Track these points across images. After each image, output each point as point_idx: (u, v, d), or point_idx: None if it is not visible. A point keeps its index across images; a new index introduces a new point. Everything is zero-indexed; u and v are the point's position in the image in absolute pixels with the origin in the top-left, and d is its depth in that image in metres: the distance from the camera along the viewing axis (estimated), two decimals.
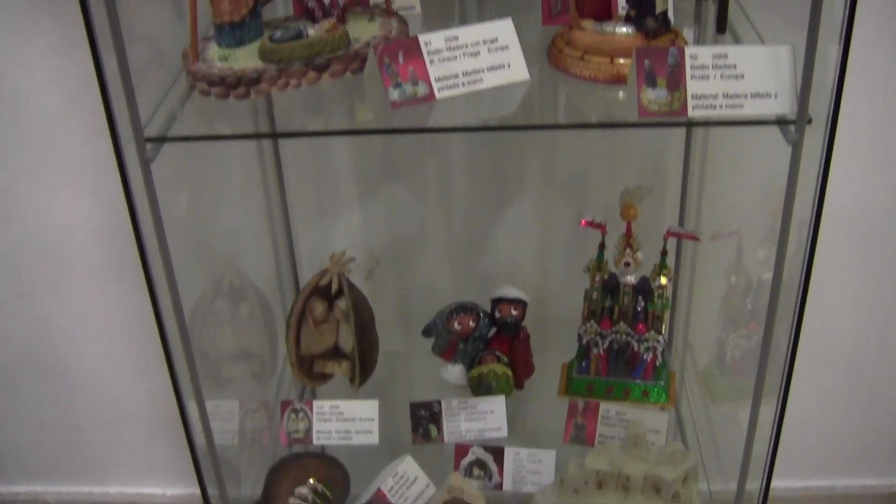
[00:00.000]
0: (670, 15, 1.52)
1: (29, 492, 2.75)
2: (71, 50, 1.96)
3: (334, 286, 1.91)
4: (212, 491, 1.83)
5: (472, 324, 1.95)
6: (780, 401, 1.67)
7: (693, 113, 1.33)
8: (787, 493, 2.60)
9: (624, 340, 1.95)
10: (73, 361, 2.47)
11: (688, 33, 1.62)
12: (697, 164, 2.04)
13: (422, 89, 1.37)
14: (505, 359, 1.96)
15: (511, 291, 1.96)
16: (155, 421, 2.57)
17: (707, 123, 1.32)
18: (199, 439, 1.75)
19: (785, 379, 1.64)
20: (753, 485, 1.81)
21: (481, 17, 1.68)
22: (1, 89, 2.03)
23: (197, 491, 2.64)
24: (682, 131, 1.99)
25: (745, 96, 1.32)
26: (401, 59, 1.36)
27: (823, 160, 1.40)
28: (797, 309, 1.56)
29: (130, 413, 2.56)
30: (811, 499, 2.65)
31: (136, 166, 1.37)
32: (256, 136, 1.88)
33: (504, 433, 1.93)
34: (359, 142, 2.09)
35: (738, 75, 1.32)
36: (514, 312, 1.96)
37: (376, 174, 2.13)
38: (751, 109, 1.33)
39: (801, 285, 1.53)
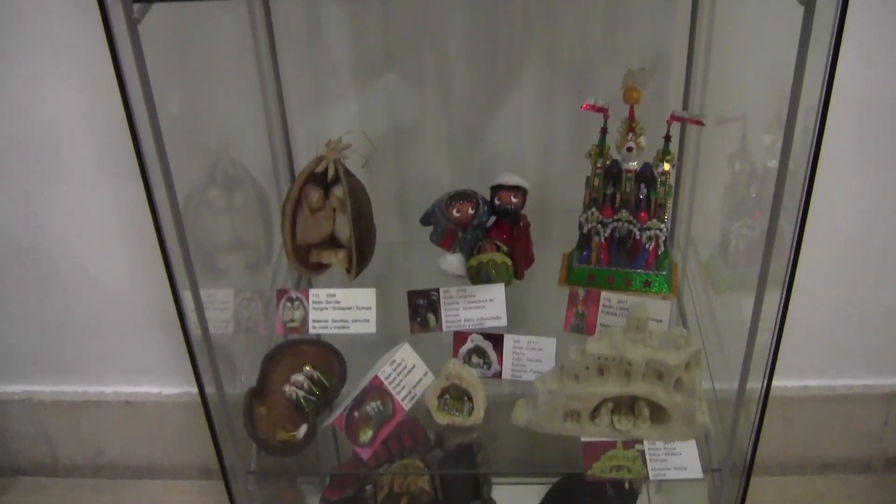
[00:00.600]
0: None
1: (24, 392, 2.74)
2: None
3: (330, 173, 1.87)
4: (209, 390, 1.79)
5: (471, 211, 1.91)
6: (785, 292, 1.62)
7: None
8: (786, 392, 2.59)
9: (626, 229, 1.92)
10: (66, 256, 2.44)
11: None
12: (703, 44, 1.98)
13: None
14: (504, 248, 1.93)
15: (511, 178, 1.92)
16: (151, 318, 2.54)
17: None
18: (195, 330, 1.71)
19: (790, 270, 1.59)
20: (755, 384, 1.78)
21: None
22: None
23: (194, 389, 2.65)
24: (687, 10, 1.93)
25: None
26: None
27: (836, 26, 1.33)
28: (803, 196, 1.51)
29: (126, 310, 2.54)
30: (811, 398, 2.64)
31: (123, 32, 1.31)
32: None
33: (503, 322, 1.91)
34: (357, 25, 2.03)
35: None
36: (514, 200, 1.92)
37: (374, 60, 2.08)
38: None
39: (809, 170, 1.48)
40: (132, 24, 1.29)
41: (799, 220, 1.53)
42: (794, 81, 1.33)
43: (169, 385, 2.69)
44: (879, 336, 2.55)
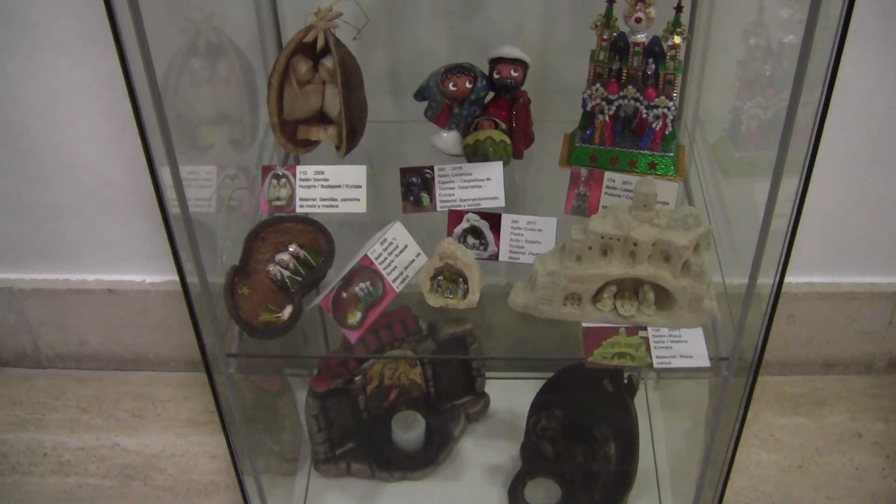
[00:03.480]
0: None
1: (3, 279, 2.67)
2: None
3: (320, 43, 1.78)
4: (189, 270, 1.70)
5: (468, 85, 1.82)
6: (803, 179, 1.52)
7: None
8: (790, 288, 2.52)
9: (632, 107, 1.84)
10: (44, 134, 2.34)
11: None
12: None
13: None
14: (503, 125, 1.85)
15: (511, 50, 1.82)
16: (135, 203, 2.46)
17: None
18: (174, 209, 1.62)
19: (809, 155, 1.49)
20: (764, 278, 1.69)
21: None
22: None
23: (176, 277, 2.58)
24: None
25: None
26: None
27: None
28: (827, 77, 1.40)
29: (108, 193, 2.45)
30: (815, 295, 2.59)
31: None
32: None
33: (501, 202, 1.82)
34: None
35: None
36: (514, 74, 1.82)
37: None
38: None
39: (835, 48, 1.37)
40: None
41: (821, 104, 1.42)
42: None
43: (153, 273, 2.62)
44: (888, 233, 2.49)
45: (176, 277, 2.50)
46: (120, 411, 2.71)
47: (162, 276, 2.60)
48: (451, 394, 2.44)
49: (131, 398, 2.74)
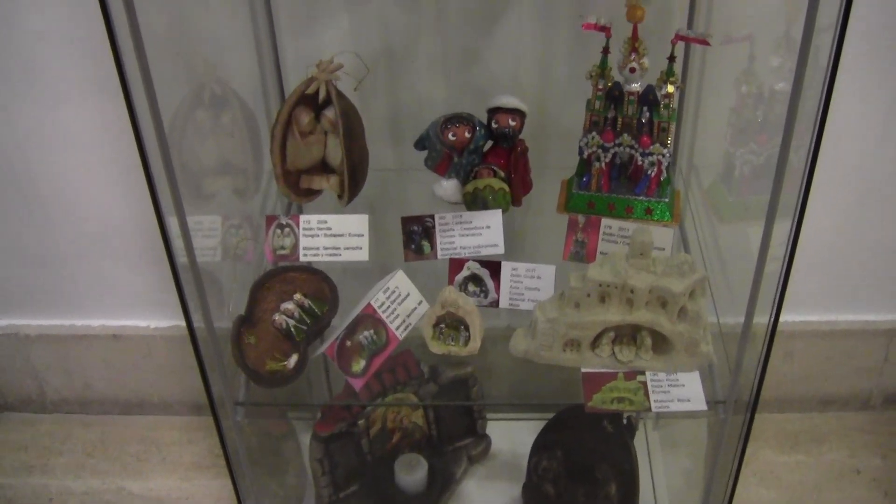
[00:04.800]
0: None
1: (8, 325, 2.69)
2: None
3: (322, 94, 1.81)
4: (196, 320, 1.73)
5: (467, 135, 1.85)
6: (796, 222, 1.56)
7: None
8: (787, 326, 2.55)
9: (627, 154, 1.87)
10: (50, 182, 2.37)
11: None
12: None
13: None
14: (502, 173, 1.88)
15: (509, 100, 1.86)
16: (139, 249, 2.49)
17: None
18: (181, 258, 1.65)
19: (801, 198, 1.53)
20: (760, 318, 1.72)
21: None
22: None
23: (183, 323, 2.60)
24: None
25: None
26: None
27: None
28: (817, 122, 1.44)
29: (113, 240, 2.48)
30: (812, 333, 2.61)
31: None
32: None
33: (501, 250, 1.86)
34: None
35: None
36: (512, 123, 1.86)
37: None
38: None
39: (824, 94, 1.40)
40: None
41: (812, 147, 1.46)
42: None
43: (157, 318, 2.64)
44: (882, 271, 2.51)
45: (180, 322, 2.55)
46: (125, 455, 2.73)
47: (166, 321, 2.63)
48: (453, 436, 2.46)
49: (136, 442, 2.76)
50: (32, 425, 2.83)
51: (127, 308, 2.63)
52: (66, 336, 2.68)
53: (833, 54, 1.35)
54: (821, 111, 1.42)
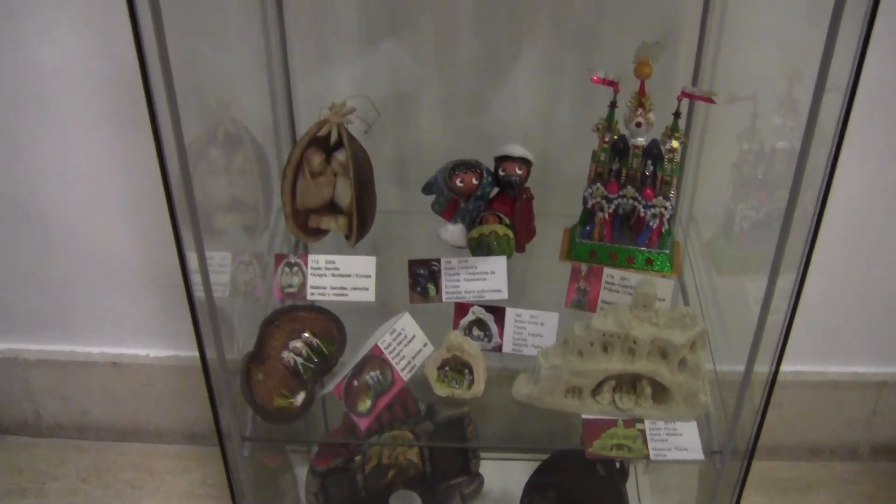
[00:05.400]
0: None
1: (8, 350, 2.71)
2: None
3: (333, 137, 1.85)
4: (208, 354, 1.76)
5: (474, 181, 1.89)
6: (800, 275, 1.60)
7: None
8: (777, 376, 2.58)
9: (630, 205, 1.90)
10: (56, 211, 2.40)
11: None
12: (716, 20, 1.96)
13: None
14: (507, 220, 1.91)
15: (517, 149, 1.89)
16: (142, 279, 2.52)
17: None
18: (196, 293, 1.68)
19: (806, 253, 1.57)
20: (760, 367, 1.76)
21: None
22: None
23: (182, 353, 2.63)
24: None
25: None
26: None
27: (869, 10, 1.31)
28: (825, 180, 1.48)
29: (116, 270, 2.51)
30: (802, 383, 2.64)
31: None
32: None
33: (504, 295, 1.89)
34: None
35: None
36: (518, 171, 1.89)
37: (379, 23, 2.05)
38: None
39: (832, 154, 1.45)
40: None
41: (819, 204, 1.50)
42: (822, 64, 1.31)
43: (157, 348, 2.67)
44: (872, 323, 2.55)
45: (179, 352, 2.59)
46: (119, 482, 2.74)
47: (166, 350, 2.65)
48: (447, 474, 2.48)
49: (131, 469, 2.78)
50: (28, 449, 2.84)
51: (127, 337, 2.65)
52: (65, 362, 2.70)
53: (843, 114, 1.39)
54: (829, 169, 1.46)
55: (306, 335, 1.89)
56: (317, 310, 1.93)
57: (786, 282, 1.61)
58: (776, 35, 1.89)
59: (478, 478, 2.52)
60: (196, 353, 2.45)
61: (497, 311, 1.88)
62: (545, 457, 2.34)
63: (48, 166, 2.32)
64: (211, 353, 1.73)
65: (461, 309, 1.89)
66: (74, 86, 2.18)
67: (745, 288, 2.00)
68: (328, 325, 1.91)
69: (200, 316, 1.67)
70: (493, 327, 1.88)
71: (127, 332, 2.64)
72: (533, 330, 1.87)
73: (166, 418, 2.80)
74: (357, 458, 2.29)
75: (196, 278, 1.63)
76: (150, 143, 1.46)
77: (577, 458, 2.22)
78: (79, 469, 2.78)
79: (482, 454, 2.52)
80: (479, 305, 1.88)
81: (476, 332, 1.89)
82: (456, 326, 1.89)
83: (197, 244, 1.59)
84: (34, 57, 2.13)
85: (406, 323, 1.83)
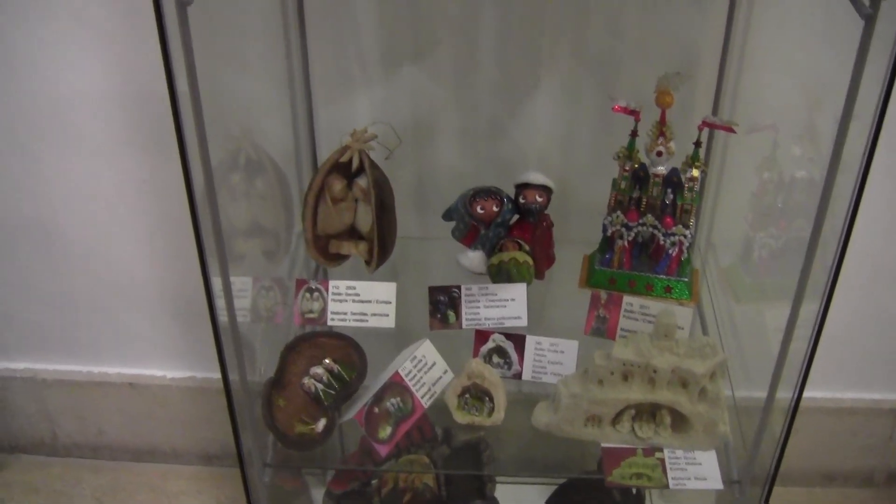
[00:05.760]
0: None
1: (26, 369, 2.72)
2: None
3: (355, 163, 1.86)
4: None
5: (495, 209, 1.89)
6: (824, 303, 1.61)
7: None
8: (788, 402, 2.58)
9: (649, 233, 1.90)
10: (76, 233, 2.42)
11: None
12: (737, 49, 1.97)
13: None
14: (526, 247, 1.91)
15: (538, 177, 1.90)
16: (159, 301, 2.53)
17: None
18: (220, 318, 1.69)
19: (830, 281, 1.58)
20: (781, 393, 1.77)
21: None
22: None
23: (199, 374, 2.64)
24: (723, 14, 1.91)
25: None
26: None
27: None
28: (850, 209, 1.49)
29: (134, 292, 2.52)
30: (818, 410, 2.64)
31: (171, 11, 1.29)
32: None
33: (524, 322, 1.90)
34: (386, 15, 2.01)
35: None
36: (539, 199, 1.90)
37: (401, 50, 2.06)
38: None
39: (858, 185, 1.45)
40: (182, 7, 1.26)
41: (844, 233, 1.51)
42: (848, 96, 1.31)
43: (174, 369, 2.68)
44: (889, 351, 2.55)
45: (196, 374, 2.60)
46: (134, 502, 2.75)
47: (183, 371, 2.66)
48: (462, 498, 2.48)
49: (146, 490, 2.78)
50: (44, 468, 2.85)
51: (144, 357, 2.66)
52: (82, 382, 2.71)
53: (870, 143, 1.39)
54: (854, 199, 1.47)
55: (327, 361, 1.90)
56: (338, 336, 1.93)
57: (806, 310, 1.61)
58: (797, 65, 1.90)
59: (493, 502, 2.53)
60: (212, 375, 2.49)
61: (517, 339, 1.89)
62: (561, 481, 2.34)
63: (69, 189, 2.33)
64: (233, 377, 1.73)
65: (481, 336, 1.90)
66: (96, 109, 2.19)
67: (762, 315, 2.00)
68: (349, 351, 1.92)
69: (224, 340, 1.67)
70: (513, 355, 1.89)
71: (144, 353, 2.65)
72: (553, 358, 1.88)
73: (181, 439, 2.81)
74: (373, 481, 2.30)
75: (220, 303, 1.64)
76: (169, 167, 1.47)
77: (592, 483, 2.22)
78: (94, 489, 2.79)
79: (498, 478, 2.52)
80: (499, 332, 1.88)
81: (496, 359, 1.90)
82: (476, 354, 1.89)
83: (222, 269, 1.60)
84: (56, 80, 2.14)
85: (426, 350, 1.84)
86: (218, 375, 1.71)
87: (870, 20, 1.24)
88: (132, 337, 2.62)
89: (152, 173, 2.28)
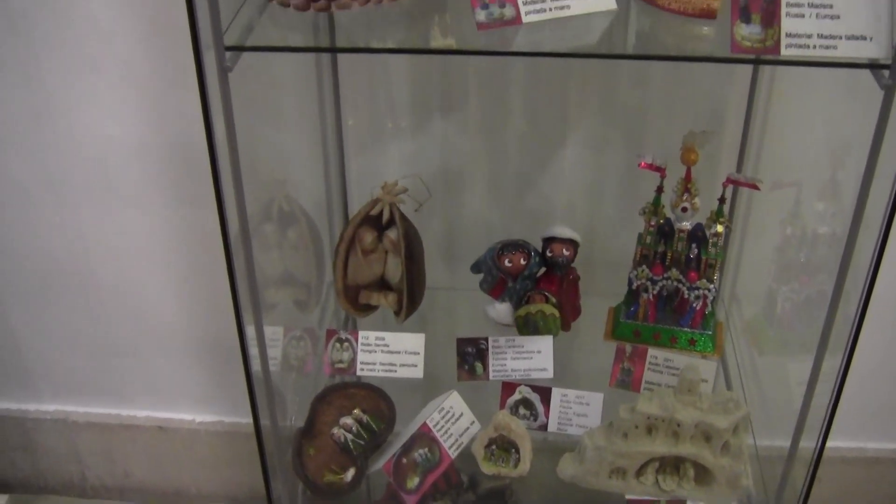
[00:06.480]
0: None
1: (57, 411, 2.75)
2: None
3: (385, 216, 1.90)
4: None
5: (522, 262, 1.92)
6: (846, 356, 1.64)
7: (786, 52, 1.29)
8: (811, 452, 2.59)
9: (674, 287, 1.93)
10: (109, 279, 2.45)
11: None
12: (761, 109, 2.00)
13: (508, 12, 1.34)
14: (553, 299, 1.94)
15: (564, 231, 1.93)
16: (189, 346, 2.56)
17: (800, 63, 1.29)
18: (252, 366, 1.73)
19: (853, 334, 1.61)
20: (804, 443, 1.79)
21: None
22: None
23: (227, 419, 2.67)
24: (747, 76, 1.95)
25: (840, 37, 1.29)
26: None
27: None
28: (872, 268, 1.51)
29: (164, 337, 2.56)
30: (840, 459, 2.64)
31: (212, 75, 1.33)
32: (348, 49, 1.83)
33: (550, 374, 1.93)
34: (417, 68, 2.06)
35: (834, 15, 1.28)
36: (565, 252, 1.93)
37: (431, 105, 2.10)
38: (844, 51, 1.29)
39: (881, 240, 1.48)
40: (223, 72, 1.31)
41: (866, 287, 1.54)
42: (870, 157, 1.35)
43: (202, 413, 2.70)
44: None
45: (224, 418, 2.62)
46: None
47: (212, 416, 2.69)
48: None
49: None
50: None
51: (173, 401, 2.69)
52: (112, 425, 2.74)
53: (892, 200, 1.41)
54: (876, 255, 1.50)
55: (357, 412, 1.93)
56: (367, 387, 1.97)
57: (829, 363, 1.64)
58: (819, 125, 1.93)
59: None
60: (240, 420, 2.50)
61: (543, 391, 1.92)
62: None
63: (103, 235, 2.37)
64: (264, 422, 1.76)
65: (508, 388, 1.93)
66: (131, 158, 2.23)
67: (785, 367, 2.02)
68: (378, 402, 1.95)
69: (256, 388, 1.71)
70: (539, 406, 1.92)
71: (173, 398, 2.68)
72: (578, 409, 1.90)
73: (208, 482, 2.83)
74: None
75: (253, 351, 1.68)
76: (202, 215, 1.51)
77: None
78: None
79: None
80: (526, 385, 1.91)
81: (522, 410, 1.92)
82: (503, 405, 1.92)
83: (255, 317, 1.63)
84: (93, 128, 2.19)
85: (454, 401, 1.87)
86: (246, 420, 1.75)
87: (889, 91, 1.28)
88: (162, 381, 2.66)
89: (185, 221, 2.32)
